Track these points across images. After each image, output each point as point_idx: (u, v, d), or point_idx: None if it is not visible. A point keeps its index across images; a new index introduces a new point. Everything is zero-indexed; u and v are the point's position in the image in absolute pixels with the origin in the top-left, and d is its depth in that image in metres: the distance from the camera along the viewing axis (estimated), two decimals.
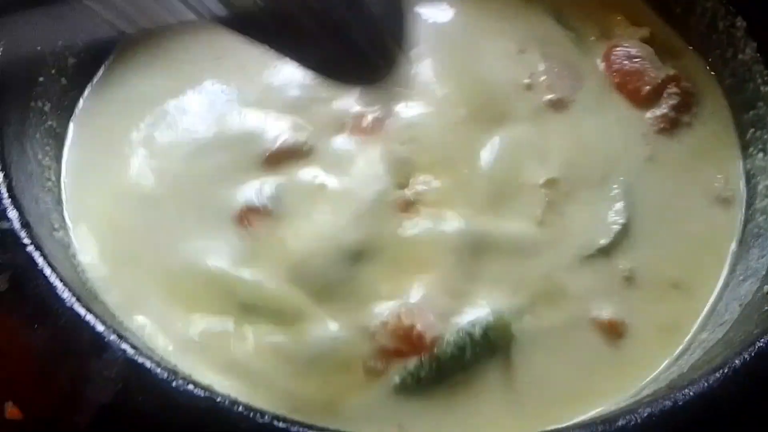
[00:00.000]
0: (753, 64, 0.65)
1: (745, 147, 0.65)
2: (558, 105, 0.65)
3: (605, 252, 0.58)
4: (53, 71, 0.62)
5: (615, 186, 0.61)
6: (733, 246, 0.60)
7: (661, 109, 0.66)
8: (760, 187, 0.62)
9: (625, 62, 0.68)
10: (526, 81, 0.66)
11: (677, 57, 0.70)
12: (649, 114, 0.66)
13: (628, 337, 0.54)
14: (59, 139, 0.62)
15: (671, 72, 0.67)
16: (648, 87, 0.66)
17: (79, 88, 0.65)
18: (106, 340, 0.43)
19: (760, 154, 0.63)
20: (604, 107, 0.66)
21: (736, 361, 0.44)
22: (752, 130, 0.65)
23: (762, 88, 0.65)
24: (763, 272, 0.55)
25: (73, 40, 0.63)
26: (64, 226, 0.56)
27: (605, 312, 0.55)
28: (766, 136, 0.63)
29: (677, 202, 0.62)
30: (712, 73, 0.69)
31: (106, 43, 0.67)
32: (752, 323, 0.50)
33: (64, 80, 0.63)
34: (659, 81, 0.66)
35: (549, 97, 0.66)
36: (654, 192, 0.62)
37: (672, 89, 0.67)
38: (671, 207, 0.61)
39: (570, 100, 0.66)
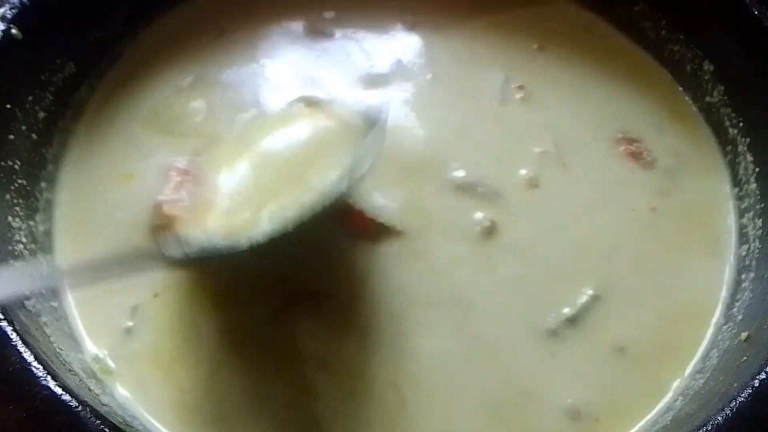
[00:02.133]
0: (721, 107, 0.67)
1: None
2: None
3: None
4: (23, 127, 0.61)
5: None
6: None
7: None
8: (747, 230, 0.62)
9: None
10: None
11: None
12: None
13: None
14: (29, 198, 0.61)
15: None
16: None
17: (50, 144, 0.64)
18: (83, 420, 0.41)
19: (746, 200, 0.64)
20: None
21: (719, 418, 0.44)
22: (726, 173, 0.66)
23: (731, 130, 0.66)
24: (740, 317, 0.57)
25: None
26: (35, 293, 0.54)
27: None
28: (744, 183, 0.64)
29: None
30: None
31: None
32: (731, 373, 0.51)
33: (34, 135, 0.62)
34: None
35: None
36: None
37: None
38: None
39: None
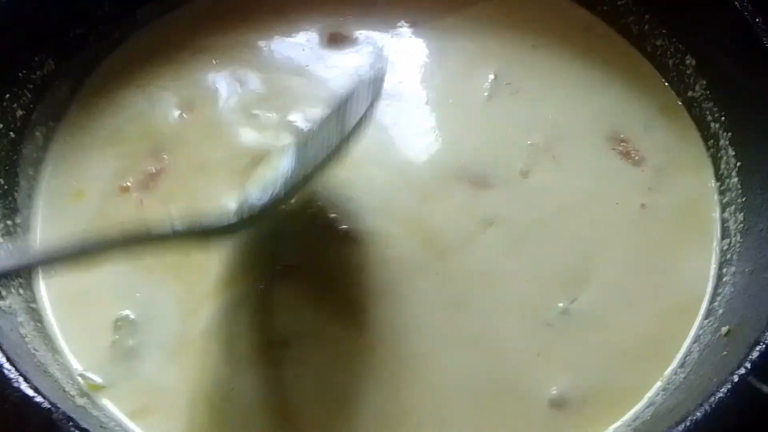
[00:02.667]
0: (703, 101, 0.67)
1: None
2: None
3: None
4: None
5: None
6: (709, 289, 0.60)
7: None
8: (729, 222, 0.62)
9: None
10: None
11: None
12: None
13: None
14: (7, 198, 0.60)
15: None
16: None
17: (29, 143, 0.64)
18: (55, 423, 0.41)
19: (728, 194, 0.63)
20: None
21: (698, 414, 0.44)
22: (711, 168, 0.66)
23: (713, 124, 0.66)
24: (721, 312, 0.56)
25: None
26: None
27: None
28: (726, 178, 0.64)
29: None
30: None
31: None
32: (712, 368, 0.51)
33: (12, 134, 0.62)
34: None
35: None
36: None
37: None
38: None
39: None
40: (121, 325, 0.55)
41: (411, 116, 0.67)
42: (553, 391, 0.54)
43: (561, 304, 0.58)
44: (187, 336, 0.55)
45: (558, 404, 0.54)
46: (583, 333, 0.57)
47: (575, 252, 0.60)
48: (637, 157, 0.65)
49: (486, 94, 0.68)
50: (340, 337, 0.56)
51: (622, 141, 0.66)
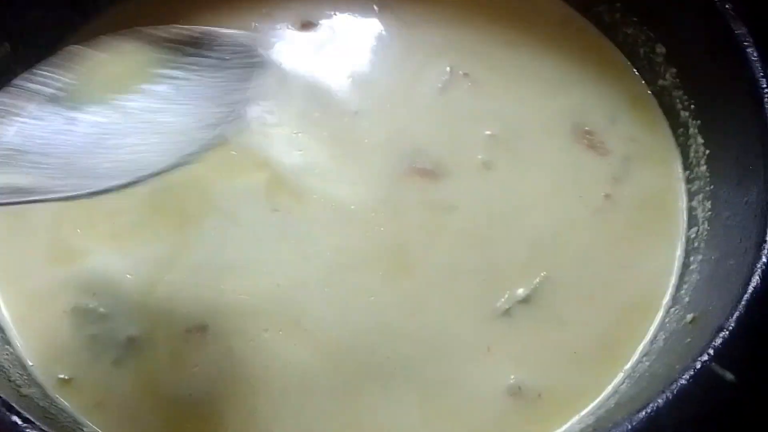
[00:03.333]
0: (673, 89, 0.66)
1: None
2: None
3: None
4: None
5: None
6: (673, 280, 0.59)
7: None
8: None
9: None
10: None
11: None
12: None
13: None
14: None
15: None
16: None
17: None
18: None
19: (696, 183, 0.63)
20: None
21: (659, 401, 0.44)
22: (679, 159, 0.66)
23: (682, 113, 0.66)
24: (687, 300, 0.56)
25: None
26: None
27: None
28: (695, 166, 0.64)
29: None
30: None
31: None
32: (675, 355, 0.50)
33: None
34: None
35: None
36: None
37: None
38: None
39: None
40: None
41: (363, 102, 0.65)
42: (511, 380, 0.53)
43: (519, 296, 0.57)
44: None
45: (514, 391, 0.53)
46: (543, 327, 0.56)
47: (534, 245, 0.59)
48: (602, 149, 0.65)
49: (440, 85, 0.67)
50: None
51: (588, 133, 0.66)
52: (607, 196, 0.62)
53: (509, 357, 0.54)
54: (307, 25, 0.71)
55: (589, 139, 0.65)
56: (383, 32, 0.70)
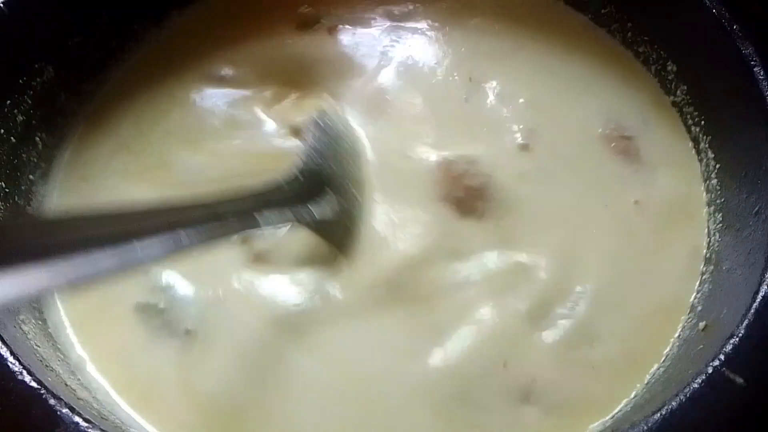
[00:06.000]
0: (684, 105, 0.69)
1: None
2: None
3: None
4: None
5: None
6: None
7: None
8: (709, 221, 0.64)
9: None
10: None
11: None
12: None
13: None
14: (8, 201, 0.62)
15: None
16: None
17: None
18: (58, 414, 0.43)
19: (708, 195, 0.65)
20: None
21: (673, 403, 0.46)
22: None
23: (693, 128, 0.68)
24: (699, 308, 0.59)
25: None
26: None
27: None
28: (707, 179, 0.66)
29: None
30: None
31: None
32: (689, 360, 0.53)
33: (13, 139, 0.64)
34: None
35: None
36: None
37: None
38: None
39: None
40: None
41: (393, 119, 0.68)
42: (531, 388, 0.55)
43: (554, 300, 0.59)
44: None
45: (524, 398, 0.55)
46: (574, 329, 0.58)
47: (568, 250, 0.61)
48: (632, 155, 0.67)
49: (464, 96, 0.69)
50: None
51: (618, 139, 0.67)
52: (636, 202, 0.64)
53: (541, 359, 0.56)
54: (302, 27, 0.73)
55: (617, 147, 0.67)
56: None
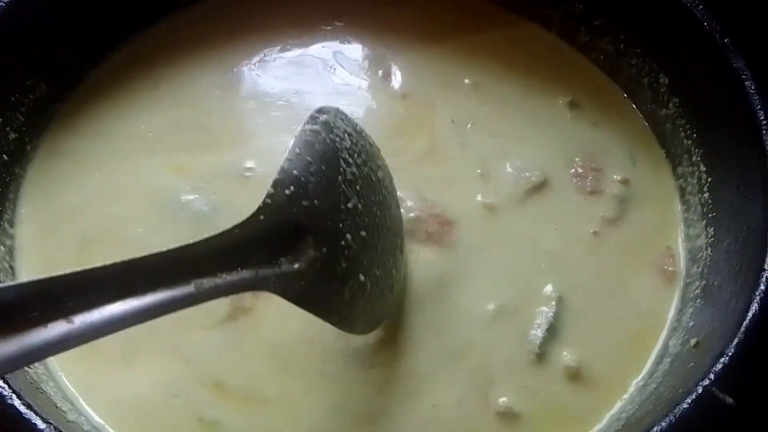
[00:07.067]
0: (676, 118, 0.69)
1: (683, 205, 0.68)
2: None
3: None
4: None
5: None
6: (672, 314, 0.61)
7: None
8: (699, 243, 0.64)
9: None
10: None
11: None
12: None
13: None
14: None
15: None
16: None
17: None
18: None
19: (695, 213, 0.66)
20: None
21: (663, 423, 0.46)
22: (681, 182, 0.68)
23: (685, 141, 0.68)
24: (691, 324, 0.58)
25: None
26: None
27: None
28: (695, 191, 0.66)
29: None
30: None
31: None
32: (679, 378, 0.53)
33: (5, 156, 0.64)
34: None
35: None
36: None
37: None
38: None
39: None
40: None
41: None
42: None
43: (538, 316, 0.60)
44: None
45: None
46: (555, 349, 0.59)
47: (545, 271, 0.62)
48: (600, 188, 0.67)
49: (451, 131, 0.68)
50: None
51: (585, 174, 0.68)
52: (595, 233, 0.64)
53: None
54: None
55: (586, 177, 0.68)
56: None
